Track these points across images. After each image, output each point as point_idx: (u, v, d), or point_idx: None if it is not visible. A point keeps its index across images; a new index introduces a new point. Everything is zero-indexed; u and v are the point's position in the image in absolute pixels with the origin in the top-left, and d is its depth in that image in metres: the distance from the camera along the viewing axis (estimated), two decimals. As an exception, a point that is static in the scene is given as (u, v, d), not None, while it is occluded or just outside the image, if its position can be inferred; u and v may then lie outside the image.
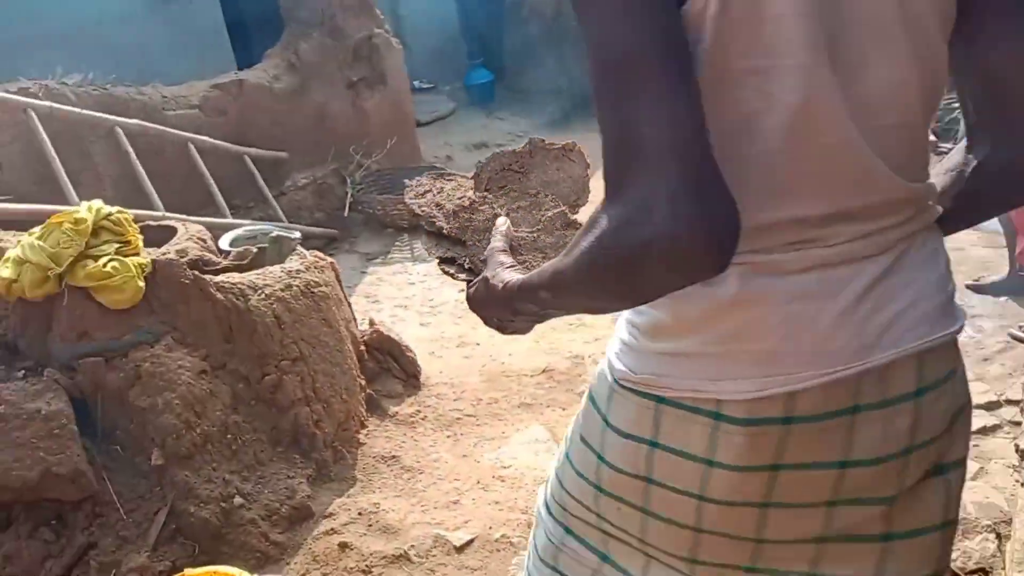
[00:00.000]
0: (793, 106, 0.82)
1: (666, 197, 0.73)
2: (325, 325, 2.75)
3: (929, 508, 0.97)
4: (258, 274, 2.73)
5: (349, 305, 3.11)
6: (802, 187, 0.86)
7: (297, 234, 3.33)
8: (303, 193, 5.45)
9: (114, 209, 2.54)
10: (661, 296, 0.85)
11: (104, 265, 2.36)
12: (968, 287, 3.87)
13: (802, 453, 0.91)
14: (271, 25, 6.05)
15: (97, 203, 2.54)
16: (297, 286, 2.73)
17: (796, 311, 0.87)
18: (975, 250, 4.28)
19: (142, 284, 2.40)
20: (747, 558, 0.99)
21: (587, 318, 4.00)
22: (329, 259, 3.04)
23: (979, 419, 2.83)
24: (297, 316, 2.67)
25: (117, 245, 2.46)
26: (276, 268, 2.80)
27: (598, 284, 0.84)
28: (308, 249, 3.13)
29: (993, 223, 4.35)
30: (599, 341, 3.74)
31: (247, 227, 4.22)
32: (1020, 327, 3.45)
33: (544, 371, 3.47)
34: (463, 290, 1.16)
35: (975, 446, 2.61)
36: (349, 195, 5.42)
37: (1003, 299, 3.73)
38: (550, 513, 1.16)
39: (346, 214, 5.38)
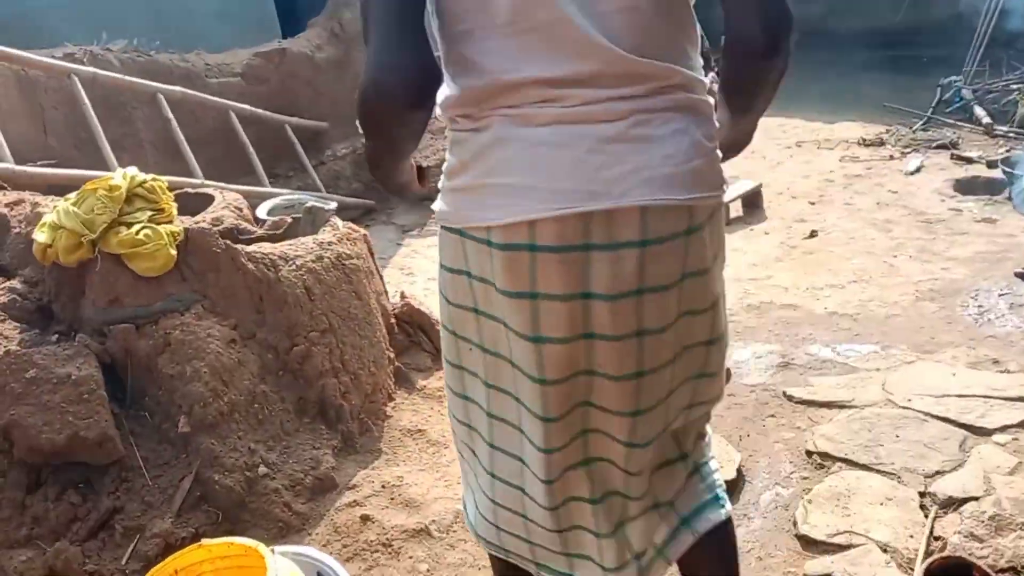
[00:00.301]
0: None
1: (372, 55, 1.05)
2: (355, 297, 2.74)
3: (693, 332, 1.23)
4: (290, 245, 2.73)
5: (381, 278, 3.10)
6: (533, 54, 1.08)
7: (333, 204, 3.33)
8: (342, 163, 5.46)
9: (148, 176, 2.55)
10: (392, 129, 1.15)
11: (137, 232, 2.37)
12: (1017, 275, 3.74)
13: (550, 282, 1.12)
14: (316, -7, 6.03)
15: (132, 170, 2.55)
16: (328, 258, 2.72)
17: (537, 155, 1.09)
18: (1029, 237, 4.14)
19: (174, 252, 2.41)
20: (549, 407, 1.20)
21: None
22: (362, 231, 3.03)
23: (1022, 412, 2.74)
24: (327, 288, 2.66)
25: (151, 213, 2.48)
26: (308, 239, 2.80)
27: (363, 129, 1.15)
28: (345, 220, 3.13)
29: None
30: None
31: (284, 196, 4.24)
32: (1072, 319, 3.33)
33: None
34: None
35: (1014, 439, 2.52)
36: (389, 166, 5.42)
37: (1054, 289, 3.60)
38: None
39: (385, 185, 5.38)
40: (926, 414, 2.77)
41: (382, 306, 2.99)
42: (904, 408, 2.81)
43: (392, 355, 2.96)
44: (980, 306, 3.55)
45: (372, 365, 2.77)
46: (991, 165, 5.01)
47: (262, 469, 2.32)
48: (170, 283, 2.43)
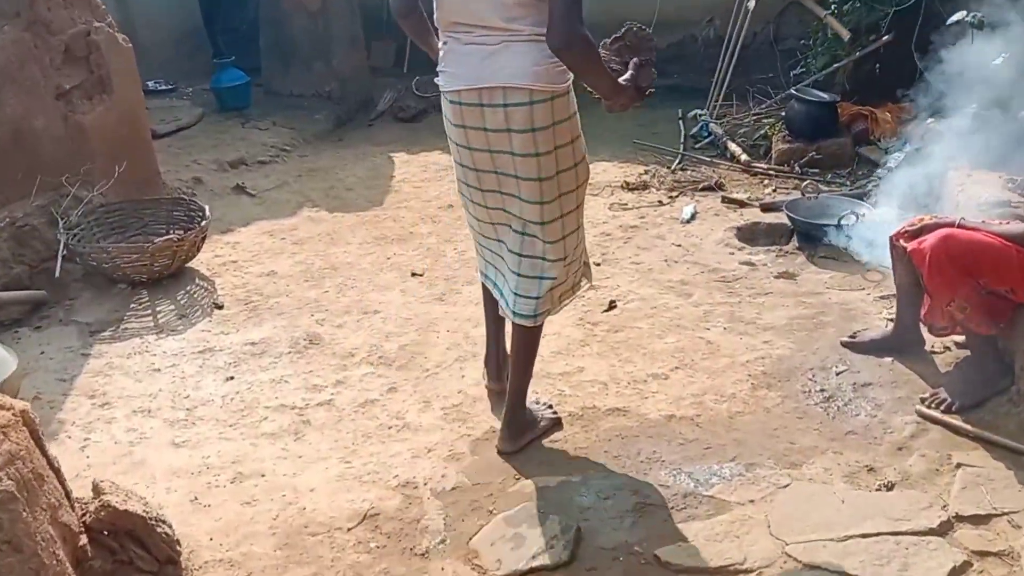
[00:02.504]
0: None
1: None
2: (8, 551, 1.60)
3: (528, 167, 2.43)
4: None
5: (58, 473, 1.94)
6: (449, 9, 2.37)
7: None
8: (-7, 243, 4.02)
9: None
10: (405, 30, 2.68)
11: None
12: (844, 344, 3.36)
13: (470, 119, 2.40)
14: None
15: None
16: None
17: (458, 59, 2.38)
18: (835, 294, 3.81)
19: None
20: (476, 181, 2.56)
21: (411, 420, 3.05)
22: (18, 406, 1.86)
23: (937, 555, 2.23)
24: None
25: None
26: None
27: None
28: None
29: (876, 261, 3.92)
30: (432, 453, 2.81)
31: None
32: (926, 400, 2.95)
33: (366, 518, 2.48)
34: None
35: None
36: (62, 242, 4.06)
37: (888, 359, 3.24)
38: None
39: (58, 269, 4.01)
40: (839, 573, 2.19)
41: (63, 526, 1.84)
42: (811, 568, 2.20)
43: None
44: (823, 390, 3.09)
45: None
46: (766, 209, 4.74)
47: None
48: None
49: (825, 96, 5.34)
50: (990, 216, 3.08)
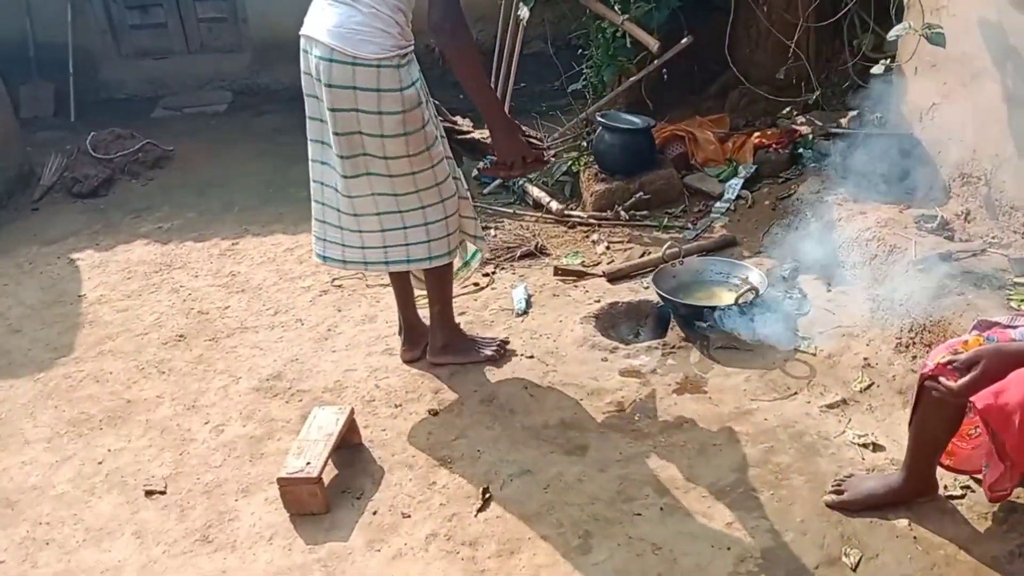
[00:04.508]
0: None
1: None
2: None
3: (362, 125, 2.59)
4: None
5: None
6: None
7: None
8: None
9: None
10: None
11: None
12: (831, 506, 2.35)
13: (305, 65, 2.63)
14: None
15: None
16: None
17: (314, 14, 2.61)
18: (767, 411, 2.78)
19: None
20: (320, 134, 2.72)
21: None
22: None
23: None
24: None
25: None
26: None
27: None
28: None
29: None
30: None
31: None
32: None
33: None
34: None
35: None
36: None
37: (903, 523, 2.27)
38: None
39: None
40: None
41: None
42: None
43: None
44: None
45: None
46: (613, 279, 3.67)
47: None
48: None
49: (638, 121, 4.35)
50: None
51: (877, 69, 3.43)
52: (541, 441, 2.74)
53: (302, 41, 2.62)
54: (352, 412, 2.74)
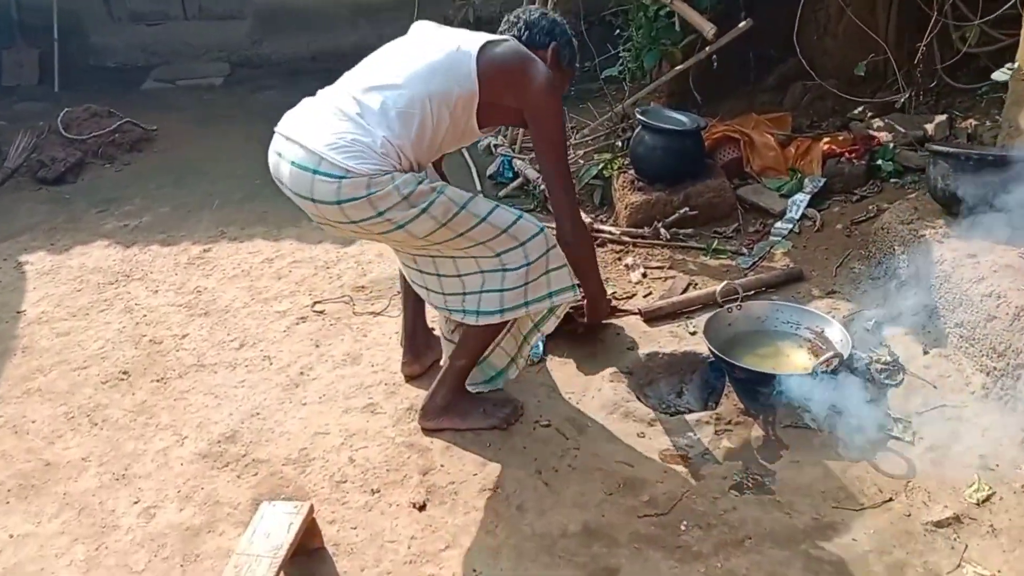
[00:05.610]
0: None
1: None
2: None
3: None
4: None
5: None
6: None
7: None
8: None
9: None
10: None
11: None
12: None
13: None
14: None
15: None
16: None
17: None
18: (856, 528, 2.12)
19: None
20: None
21: None
22: None
23: None
24: None
25: None
26: None
27: None
28: None
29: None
30: None
31: None
32: None
33: None
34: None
35: None
36: None
37: None
38: None
39: None
40: None
41: None
42: None
43: None
44: None
45: None
46: (649, 319, 2.99)
47: None
48: None
49: (685, 120, 3.65)
50: None
51: (1000, 74, 2.70)
52: (556, 558, 2.09)
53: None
54: (311, 511, 2.11)
